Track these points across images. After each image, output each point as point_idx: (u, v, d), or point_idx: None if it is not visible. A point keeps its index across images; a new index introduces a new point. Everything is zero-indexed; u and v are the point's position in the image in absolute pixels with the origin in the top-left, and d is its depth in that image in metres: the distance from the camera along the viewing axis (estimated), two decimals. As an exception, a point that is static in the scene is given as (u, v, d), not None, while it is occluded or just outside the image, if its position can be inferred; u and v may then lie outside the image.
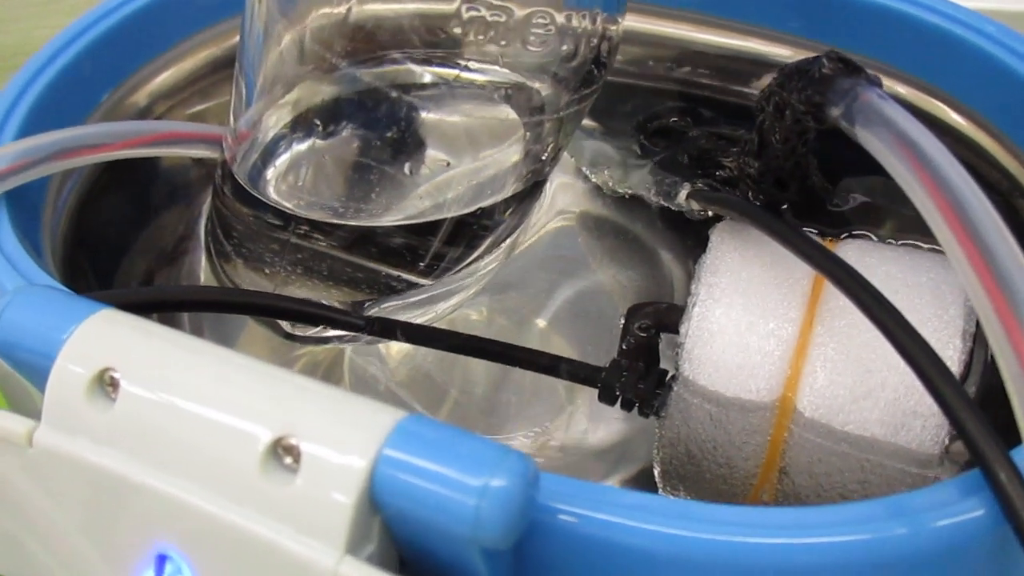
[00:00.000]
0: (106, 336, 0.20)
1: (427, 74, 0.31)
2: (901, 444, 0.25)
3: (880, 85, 0.24)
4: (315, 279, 0.31)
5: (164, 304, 0.27)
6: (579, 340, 0.38)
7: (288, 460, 0.17)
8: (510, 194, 0.31)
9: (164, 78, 0.36)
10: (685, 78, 0.38)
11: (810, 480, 0.26)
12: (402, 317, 0.31)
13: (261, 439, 0.18)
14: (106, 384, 0.19)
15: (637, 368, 0.29)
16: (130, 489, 0.19)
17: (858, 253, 0.28)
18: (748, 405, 0.26)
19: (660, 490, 0.29)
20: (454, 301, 0.33)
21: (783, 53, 0.36)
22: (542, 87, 0.30)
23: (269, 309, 0.29)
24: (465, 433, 0.17)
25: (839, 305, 0.26)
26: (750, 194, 0.30)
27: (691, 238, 0.37)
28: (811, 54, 0.27)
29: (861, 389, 0.25)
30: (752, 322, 0.27)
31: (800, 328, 0.26)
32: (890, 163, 0.22)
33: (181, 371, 0.19)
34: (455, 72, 0.30)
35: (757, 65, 0.36)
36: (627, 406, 0.29)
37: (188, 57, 0.37)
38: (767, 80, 0.36)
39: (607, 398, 0.29)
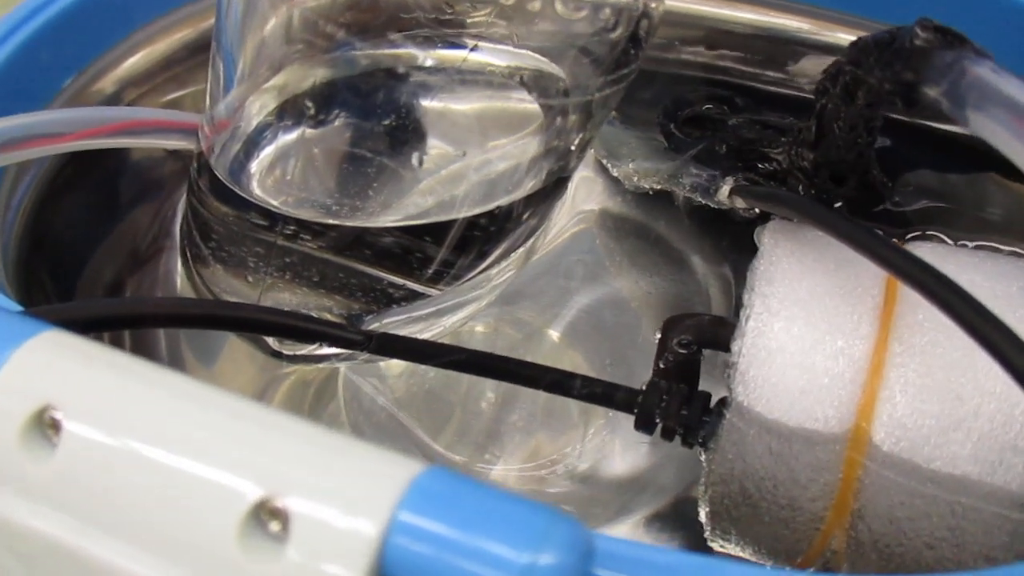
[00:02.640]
0: (48, 365, 0.17)
1: (430, 57, 0.29)
2: (999, 484, 0.22)
3: (991, 58, 0.20)
4: (305, 287, 0.28)
5: (122, 320, 0.24)
6: (597, 355, 0.35)
7: (274, 526, 0.15)
8: (528, 192, 0.28)
9: (134, 62, 0.34)
10: (714, 63, 0.35)
11: (890, 526, 0.22)
12: (405, 331, 0.29)
13: (241, 499, 0.15)
14: (46, 426, 0.16)
15: (679, 391, 0.25)
16: (71, 560, 0.16)
17: (932, 258, 0.24)
18: (814, 436, 0.23)
19: (707, 533, 0.25)
20: (463, 314, 0.30)
21: (824, 32, 0.33)
22: (565, 69, 0.27)
23: (253, 324, 0.26)
24: (501, 492, 0.14)
25: (918, 320, 0.23)
26: (800, 189, 0.27)
27: (726, 239, 0.34)
28: (859, 34, 0.24)
29: (950, 419, 0.22)
30: (817, 339, 0.23)
31: (874, 346, 0.23)
32: (1015, 150, 0.18)
33: (140, 410, 0.16)
34: (463, 54, 0.28)
35: (795, 45, 0.34)
36: (668, 435, 0.25)
37: (161, 39, 0.35)
38: (804, 63, 0.34)
39: (645, 426, 0.25)
